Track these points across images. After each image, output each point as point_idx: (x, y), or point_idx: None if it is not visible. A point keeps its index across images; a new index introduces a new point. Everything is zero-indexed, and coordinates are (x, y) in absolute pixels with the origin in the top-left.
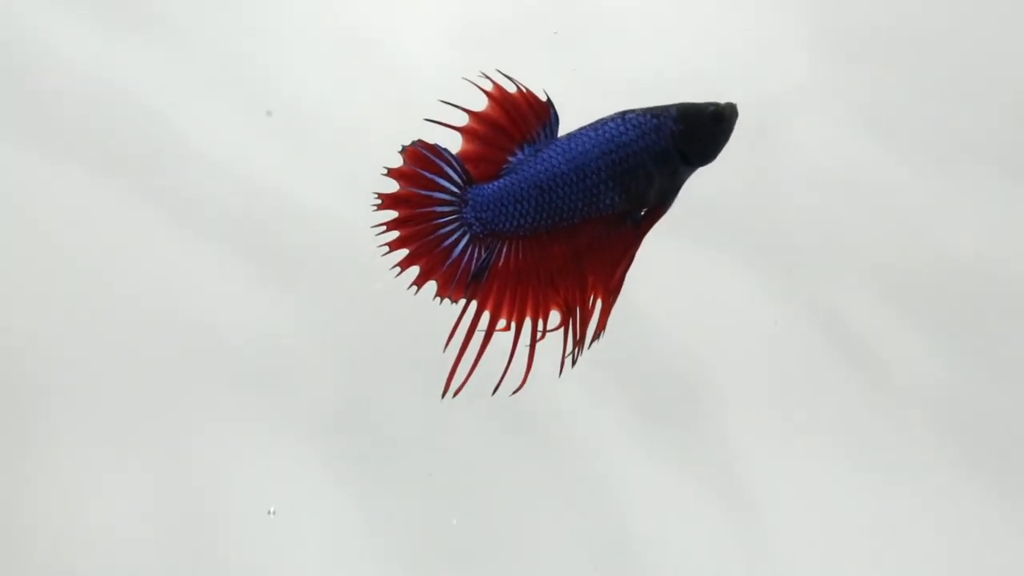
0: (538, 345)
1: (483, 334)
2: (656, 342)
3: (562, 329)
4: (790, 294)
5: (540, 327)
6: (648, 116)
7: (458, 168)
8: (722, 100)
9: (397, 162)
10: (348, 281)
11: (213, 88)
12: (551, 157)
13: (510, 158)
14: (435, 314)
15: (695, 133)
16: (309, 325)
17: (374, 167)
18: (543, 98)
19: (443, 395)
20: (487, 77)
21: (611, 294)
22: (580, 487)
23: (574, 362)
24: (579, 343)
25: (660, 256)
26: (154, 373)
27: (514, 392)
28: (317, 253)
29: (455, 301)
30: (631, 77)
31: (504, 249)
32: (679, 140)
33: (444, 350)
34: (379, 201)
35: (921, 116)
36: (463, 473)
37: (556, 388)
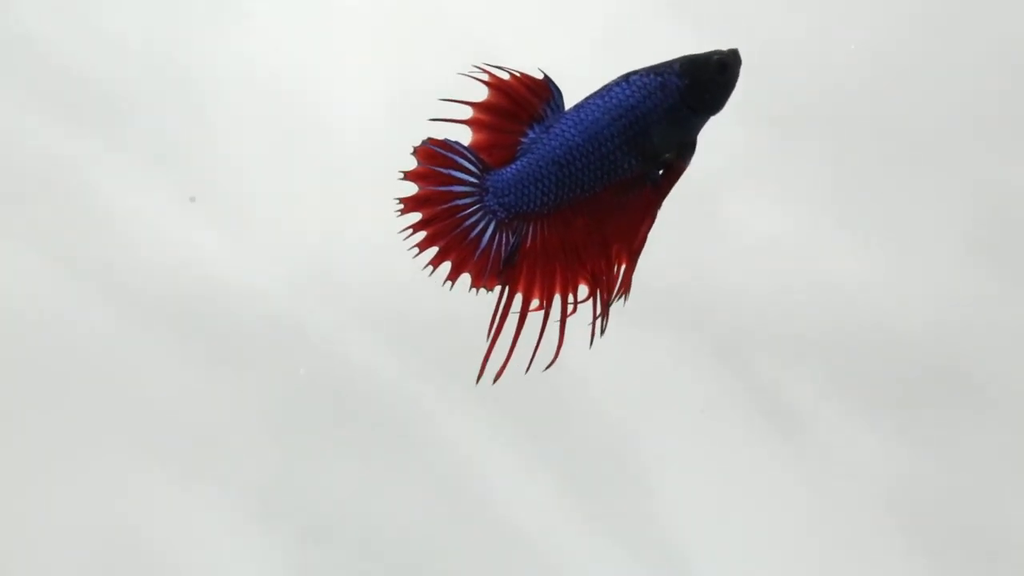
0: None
1: (517, 316)
2: (586, 415)
3: (591, 300)
4: (722, 367)
5: (571, 301)
6: (652, 75)
7: (472, 158)
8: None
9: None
10: (277, 360)
11: (144, 169)
12: (563, 131)
13: (522, 139)
14: (361, 392)
15: (701, 84)
16: (238, 403)
17: (307, 246)
18: (539, 77)
19: (477, 380)
20: (480, 68)
21: (634, 256)
22: (510, 555)
23: (603, 331)
24: (605, 311)
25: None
26: (86, 446)
27: (547, 367)
28: (245, 331)
29: (491, 290)
30: None
31: (531, 230)
32: (686, 94)
33: (488, 338)
34: (402, 205)
35: (859, 192)
36: (396, 545)
37: (487, 456)
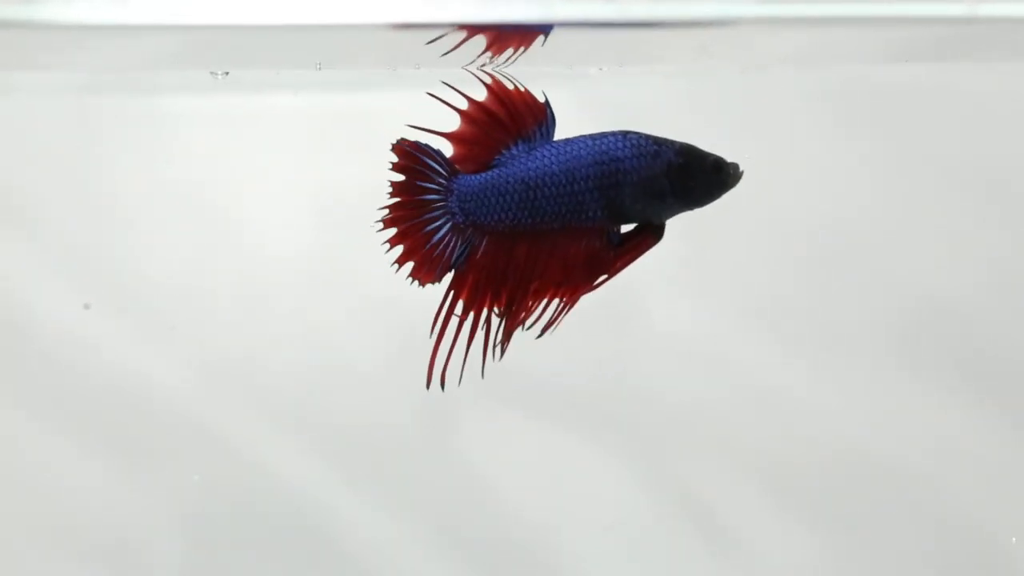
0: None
1: (466, 323)
2: (513, 523)
3: (499, 321)
4: (653, 475)
5: (479, 320)
6: (650, 142)
7: (440, 161)
8: None
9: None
10: (185, 461)
11: (50, 271)
12: (543, 156)
13: (503, 151)
14: (272, 493)
15: (692, 172)
16: (144, 503)
17: (229, 348)
18: (540, 99)
19: (427, 386)
20: (487, 72)
21: (568, 304)
22: None
23: (502, 354)
24: (506, 338)
25: (522, 437)
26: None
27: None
28: (154, 432)
29: (423, 284)
30: None
31: (483, 243)
32: (674, 172)
33: (431, 335)
34: (391, 189)
35: (782, 292)
36: None
37: (404, 557)
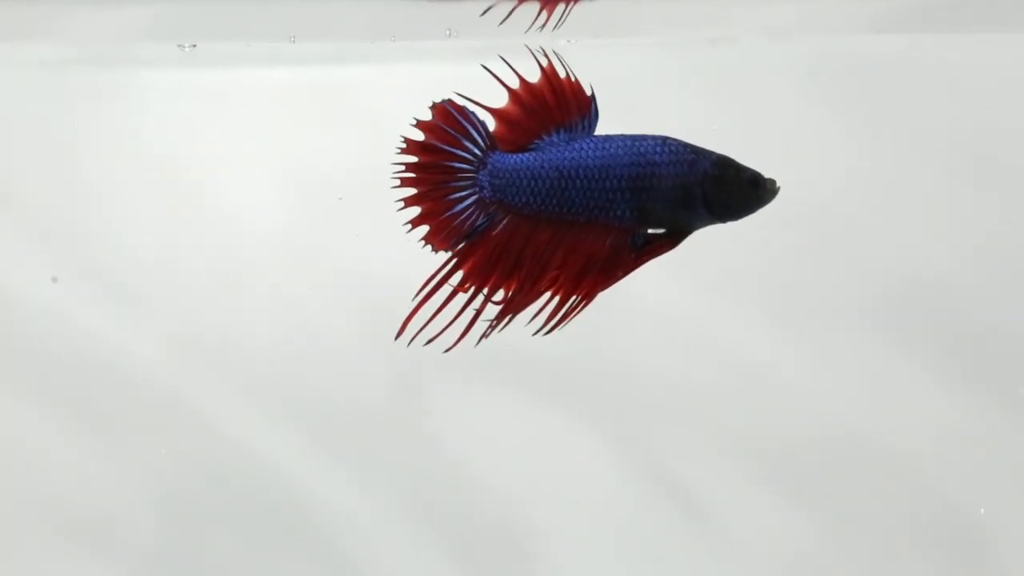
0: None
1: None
2: (486, 497)
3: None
4: (630, 452)
5: (489, 299)
6: (688, 150)
7: (483, 132)
8: None
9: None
10: (160, 435)
11: (24, 245)
12: (581, 148)
13: (544, 136)
14: (246, 468)
15: (726, 184)
16: (119, 477)
17: (202, 323)
18: (588, 92)
19: (396, 337)
20: (545, 53)
21: (568, 294)
22: None
23: (486, 336)
24: (499, 320)
25: (496, 411)
26: None
27: (447, 349)
28: (126, 406)
29: (436, 251)
30: None
31: (503, 221)
32: (708, 183)
33: (413, 299)
34: (404, 145)
35: (779, 278)
36: None
37: (377, 533)
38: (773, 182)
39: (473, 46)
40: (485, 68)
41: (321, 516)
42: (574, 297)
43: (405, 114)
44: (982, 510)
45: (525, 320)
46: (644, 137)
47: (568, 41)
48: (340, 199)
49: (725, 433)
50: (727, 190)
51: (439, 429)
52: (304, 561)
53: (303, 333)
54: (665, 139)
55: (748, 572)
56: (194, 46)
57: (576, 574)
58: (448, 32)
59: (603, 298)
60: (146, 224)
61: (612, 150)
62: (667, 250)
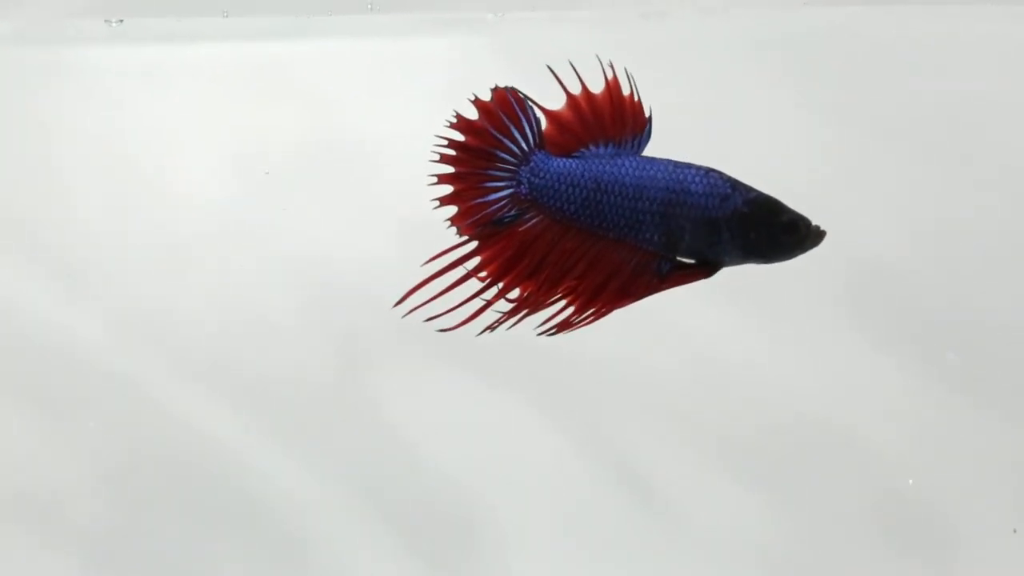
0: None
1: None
2: (436, 481)
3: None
4: (588, 438)
5: (504, 294)
6: (727, 184)
7: (535, 129)
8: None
9: None
10: (110, 414)
11: None
12: (623, 165)
13: (591, 146)
14: (196, 448)
15: (755, 224)
16: (70, 457)
17: (142, 301)
18: (647, 113)
19: (395, 305)
20: (612, 67)
21: (584, 306)
22: None
23: (492, 329)
24: (508, 318)
25: (448, 394)
26: None
27: (445, 329)
28: (77, 385)
29: (460, 235)
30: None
31: (533, 219)
32: (735, 219)
33: (423, 265)
34: (455, 120)
35: (746, 266)
36: None
37: (327, 517)
38: (818, 228)
39: (410, 19)
40: (550, 69)
41: (269, 497)
42: (588, 309)
43: (342, 90)
44: (910, 481)
45: (531, 322)
46: (690, 166)
47: (494, 15)
48: (267, 173)
49: (687, 421)
50: (755, 230)
51: (390, 410)
52: (252, 542)
53: (248, 312)
54: (708, 170)
55: (711, 561)
56: (121, 21)
57: (532, 562)
58: (369, 6)
59: None
60: (82, 202)
61: (651, 172)
62: (697, 279)
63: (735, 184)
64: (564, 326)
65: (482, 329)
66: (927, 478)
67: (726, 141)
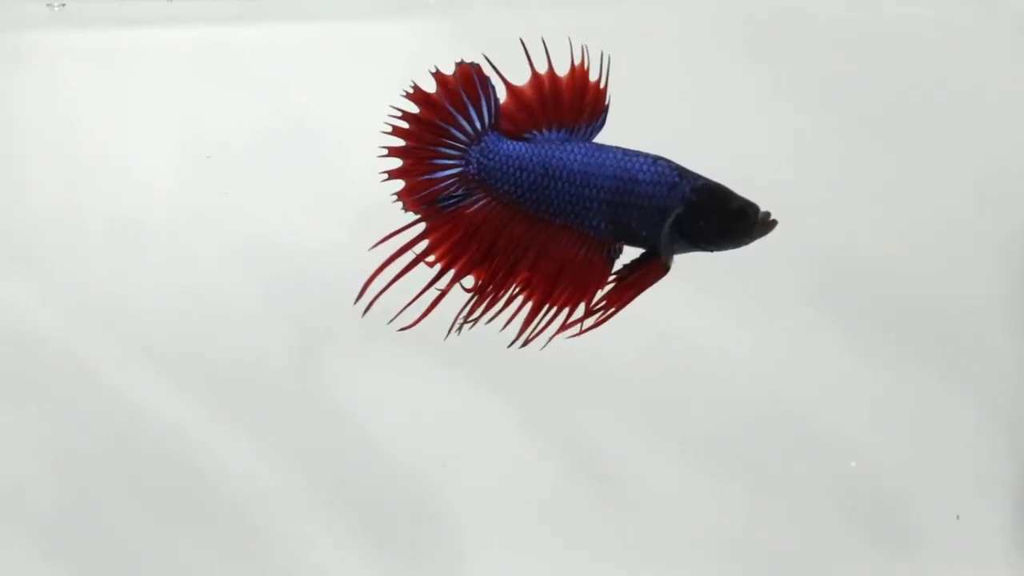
0: None
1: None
2: (392, 466)
3: (471, 295)
4: (546, 423)
5: (458, 282)
6: (674, 172)
7: (493, 110)
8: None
9: None
10: (60, 398)
11: None
12: (572, 151)
13: (544, 130)
14: (147, 433)
15: (704, 212)
16: (18, 440)
17: (95, 286)
18: (606, 101)
19: (355, 301)
20: (584, 51)
21: (540, 301)
22: None
23: (459, 331)
24: (468, 318)
25: (405, 379)
26: None
27: (402, 329)
28: (29, 369)
29: (407, 211)
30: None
31: (481, 201)
32: (684, 208)
33: (370, 248)
34: (411, 91)
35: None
36: None
37: (285, 504)
38: (767, 215)
39: (369, 1)
40: (522, 43)
41: (226, 483)
42: (547, 307)
43: (298, 74)
44: (852, 463)
45: (493, 324)
46: (639, 154)
47: None
48: (208, 157)
49: (655, 412)
50: (704, 218)
51: (347, 398)
52: (209, 528)
53: (205, 297)
54: (657, 158)
55: (676, 552)
56: (63, 5)
57: (491, 552)
58: None
59: None
60: (30, 187)
61: (600, 159)
62: (655, 279)
63: (683, 172)
64: (528, 329)
65: (448, 332)
66: (895, 466)
67: (690, 126)
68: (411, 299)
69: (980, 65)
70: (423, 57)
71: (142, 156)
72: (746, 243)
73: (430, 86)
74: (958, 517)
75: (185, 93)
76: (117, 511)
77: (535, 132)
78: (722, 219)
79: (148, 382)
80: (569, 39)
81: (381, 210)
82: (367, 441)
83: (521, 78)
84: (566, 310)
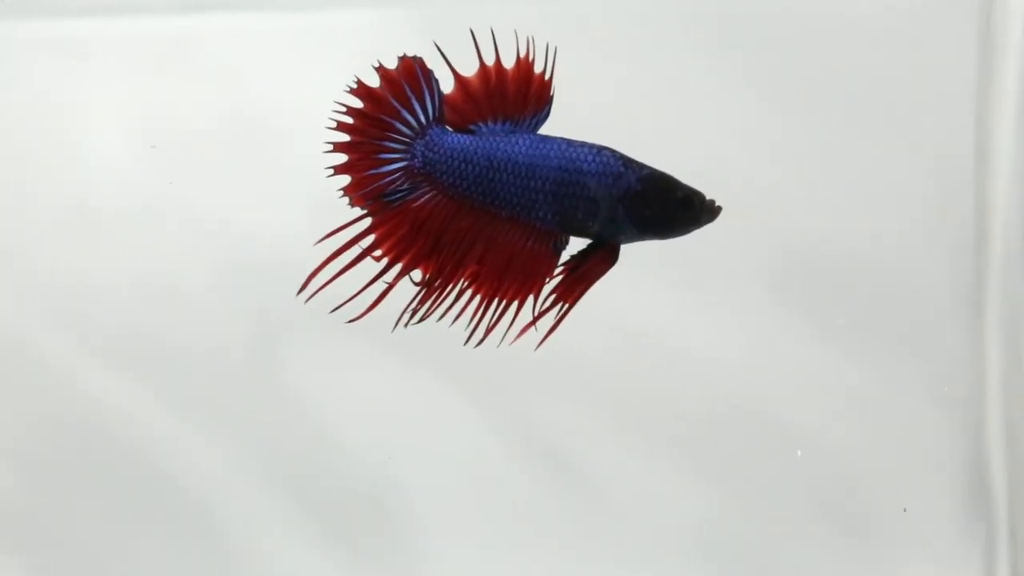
0: None
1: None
2: (348, 459)
3: (419, 289)
4: (506, 418)
5: (404, 275)
6: (619, 162)
7: (437, 103)
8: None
9: None
10: (16, 392)
11: None
12: (517, 143)
13: (490, 122)
14: (105, 427)
15: (649, 202)
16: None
17: (46, 278)
18: (550, 92)
19: (298, 292)
20: (529, 44)
21: (489, 293)
22: None
23: (406, 324)
24: (415, 312)
25: (362, 370)
26: None
27: (350, 321)
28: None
29: (352, 205)
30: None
31: (427, 195)
32: (631, 198)
33: (315, 244)
34: (355, 85)
35: (679, 246)
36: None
37: (239, 494)
38: (712, 203)
39: None
40: (472, 34)
41: (180, 473)
42: (498, 300)
43: (254, 64)
44: (799, 452)
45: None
46: (583, 144)
47: None
48: (153, 147)
49: (617, 405)
50: (650, 207)
51: (302, 389)
52: (163, 518)
53: (159, 287)
54: (600, 149)
55: (638, 547)
56: None
57: (447, 544)
58: None
59: None
60: None
61: (544, 150)
62: (605, 270)
63: (628, 162)
64: (480, 324)
65: (395, 325)
66: (865, 462)
67: (655, 120)
68: (355, 292)
69: (948, 59)
70: (379, 48)
71: (93, 146)
72: (691, 230)
73: (374, 80)
74: (905, 510)
75: (138, 83)
76: (71, 501)
77: (480, 124)
78: (668, 207)
79: (101, 374)
80: (515, 31)
81: (335, 201)
82: (322, 431)
83: (473, 69)
84: (515, 303)
